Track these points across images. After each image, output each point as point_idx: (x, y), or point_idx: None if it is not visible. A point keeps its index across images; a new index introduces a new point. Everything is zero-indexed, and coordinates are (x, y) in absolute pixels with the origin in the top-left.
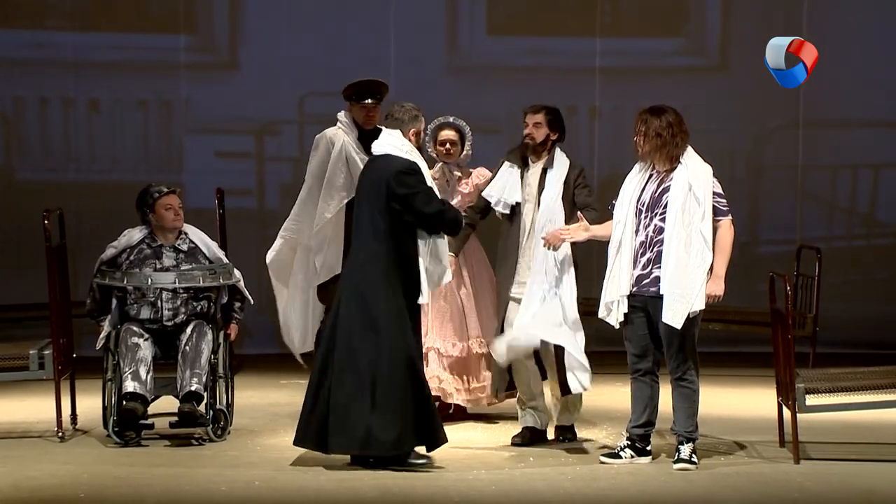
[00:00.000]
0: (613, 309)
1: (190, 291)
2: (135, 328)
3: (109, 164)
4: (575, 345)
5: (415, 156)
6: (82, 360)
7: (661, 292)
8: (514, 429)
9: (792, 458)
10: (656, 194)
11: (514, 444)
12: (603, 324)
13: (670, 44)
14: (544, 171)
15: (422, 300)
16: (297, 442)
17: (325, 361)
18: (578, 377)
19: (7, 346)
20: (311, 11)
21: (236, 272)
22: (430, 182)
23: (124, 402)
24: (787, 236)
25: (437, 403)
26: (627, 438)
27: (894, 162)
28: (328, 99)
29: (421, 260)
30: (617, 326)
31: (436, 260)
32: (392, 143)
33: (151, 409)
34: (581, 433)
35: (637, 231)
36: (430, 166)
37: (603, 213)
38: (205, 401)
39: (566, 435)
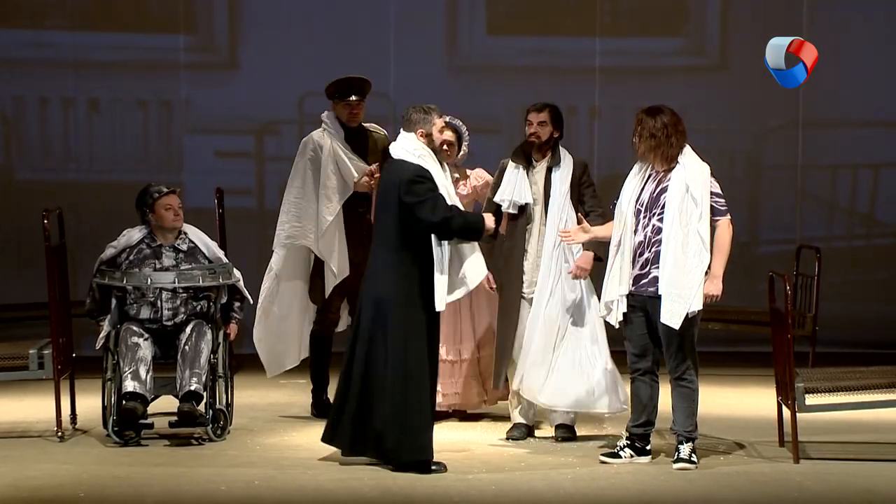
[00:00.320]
0: (613, 308)
1: (189, 291)
2: (134, 328)
3: (109, 163)
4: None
5: (426, 160)
6: (82, 359)
7: (659, 292)
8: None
9: (791, 458)
10: (654, 194)
11: (509, 438)
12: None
13: (670, 44)
14: (549, 170)
15: (438, 307)
16: (322, 438)
17: (347, 365)
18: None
19: (6, 346)
20: (310, 11)
21: (236, 272)
22: (441, 185)
23: (124, 402)
24: (787, 236)
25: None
26: (627, 438)
27: (894, 162)
28: (328, 99)
29: (436, 267)
30: (617, 326)
31: (456, 266)
32: (405, 146)
33: (151, 408)
34: (581, 432)
35: (636, 231)
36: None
37: (606, 214)
38: (204, 400)
39: (566, 434)
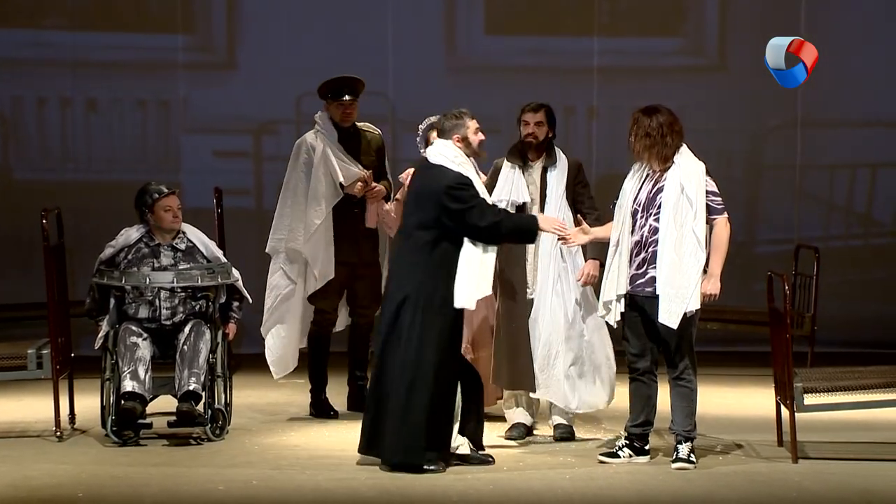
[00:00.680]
0: (612, 308)
1: (188, 291)
2: (133, 328)
3: (107, 163)
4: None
5: (465, 167)
6: (80, 359)
7: (656, 292)
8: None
9: (790, 458)
10: (651, 194)
11: (508, 438)
12: None
13: (668, 43)
14: (545, 170)
15: (458, 304)
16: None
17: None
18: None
19: (5, 346)
20: (308, 11)
21: (234, 271)
22: (482, 192)
23: (122, 402)
24: (786, 236)
25: None
26: (626, 438)
27: (892, 161)
28: (320, 99)
29: (466, 265)
30: (615, 325)
31: (483, 269)
32: (445, 153)
33: (150, 408)
34: (579, 432)
35: (633, 231)
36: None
37: (603, 214)
38: (203, 400)
39: (564, 434)
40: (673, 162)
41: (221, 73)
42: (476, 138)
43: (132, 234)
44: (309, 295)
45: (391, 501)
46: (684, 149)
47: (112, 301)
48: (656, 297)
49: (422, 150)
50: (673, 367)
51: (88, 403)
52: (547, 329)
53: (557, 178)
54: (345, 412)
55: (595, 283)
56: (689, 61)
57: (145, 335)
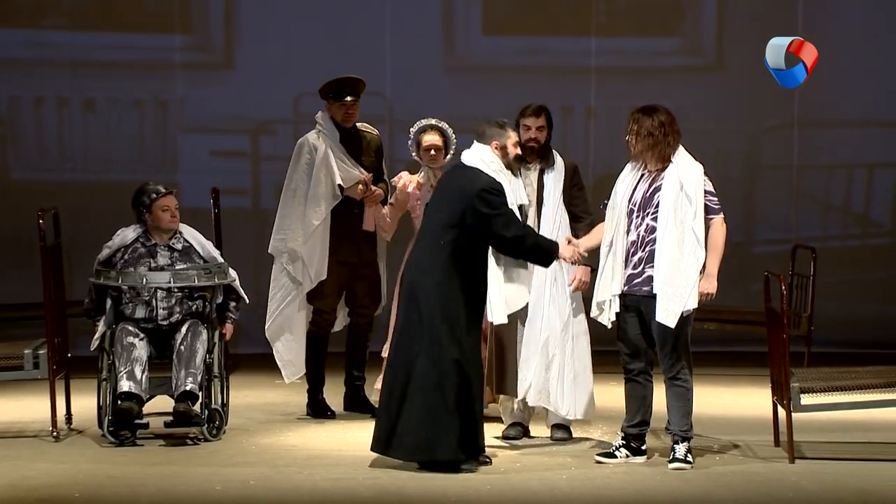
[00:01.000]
0: (605, 308)
1: (185, 291)
2: (130, 328)
3: (105, 163)
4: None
5: (500, 175)
6: (77, 359)
7: (653, 292)
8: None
9: (787, 458)
10: (648, 194)
11: (505, 437)
12: (595, 323)
13: (666, 43)
14: (542, 172)
15: (492, 319)
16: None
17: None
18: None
19: (2, 346)
20: (306, 11)
21: (231, 272)
22: (511, 203)
23: (119, 402)
24: (783, 236)
25: None
26: (622, 438)
27: (889, 162)
28: (322, 99)
29: (493, 280)
30: (609, 326)
31: (511, 282)
32: (482, 157)
33: (146, 408)
34: (576, 433)
35: (628, 231)
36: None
37: (597, 219)
38: (200, 400)
39: (562, 434)
40: (671, 161)
41: (219, 73)
42: (514, 151)
43: (128, 234)
44: (307, 295)
45: (389, 501)
46: (681, 149)
47: (109, 301)
48: (653, 297)
49: (413, 153)
50: (669, 367)
51: (85, 403)
52: (544, 334)
53: (554, 181)
54: (342, 412)
55: (586, 290)
56: (687, 61)
57: (142, 335)
